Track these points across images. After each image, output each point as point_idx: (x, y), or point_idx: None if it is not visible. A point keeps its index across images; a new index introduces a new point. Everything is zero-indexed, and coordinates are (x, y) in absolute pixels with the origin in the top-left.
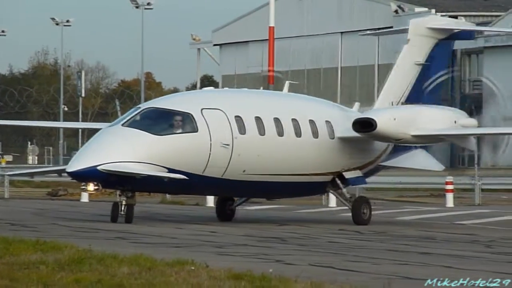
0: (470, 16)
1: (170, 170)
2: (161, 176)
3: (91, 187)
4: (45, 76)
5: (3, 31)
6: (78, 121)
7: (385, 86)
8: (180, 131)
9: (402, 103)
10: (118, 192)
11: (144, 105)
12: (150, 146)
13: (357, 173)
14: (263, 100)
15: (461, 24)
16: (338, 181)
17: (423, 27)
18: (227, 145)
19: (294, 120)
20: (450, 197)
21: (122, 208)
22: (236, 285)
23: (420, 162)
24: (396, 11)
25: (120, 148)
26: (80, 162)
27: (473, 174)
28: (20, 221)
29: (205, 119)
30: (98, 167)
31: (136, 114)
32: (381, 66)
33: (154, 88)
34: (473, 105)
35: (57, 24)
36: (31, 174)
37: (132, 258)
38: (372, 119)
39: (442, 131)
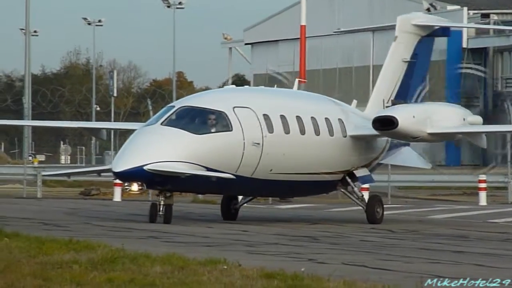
0: (502, 13)
1: (208, 170)
2: (209, 175)
3: (135, 187)
4: (77, 76)
5: (35, 31)
6: (110, 120)
7: (377, 83)
8: (216, 129)
9: (392, 101)
10: (156, 192)
11: (177, 104)
12: (190, 145)
13: (366, 171)
14: (284, 98)
15: (442, 21)
16: (349, 180)
17: (409, 24)
18: (258, 144)
19: (312, 118)
20: (483, 195)
21: (161, 208)
22: (268, 284)
23: (411, 160)
24: (428, 9)
25: (163, 147)
26: (126, 162)
27: (506, 172)
28: (52, 220)
29: (237, 117)
30: (145, 167)
31: (172, 113)
32: None
33: (186, 88)
34: (506, 103)
35: (89, 24)
36: (68, 175)
37: (165, 257)
38: (394, 117)
39: (458, 128)
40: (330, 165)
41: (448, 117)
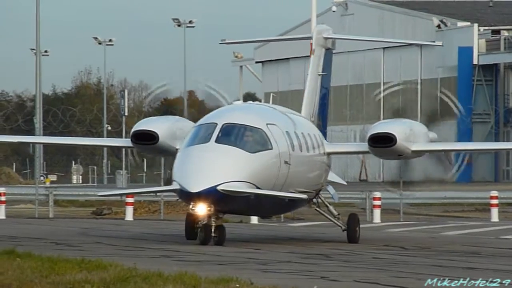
0: None
1: (258, 189)
2: (283, 196)
3: (203, 208)
4: (88, 95)
5: (46, 51)
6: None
7: (304, 97)
8: (262, 147)
9: (315, 115)
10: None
11: (215, 120)
12: (248, 163)
13: (333, 189)
14: (287, 114)
15: (338, 34)
16: (322, 197)
17: (321, 37)
18: (287, 162)
19: (308, 135)
20: (495, 211)
21: (213, 230)
22: None
23: (331, 175)
24: (438, 26)
25: (228, 166)
26: (200, 182)
27: None
28: (64, 240)
29: (272, 135)
30: (218, 187)
31: (219, 130)
32: (424, 81)
33: (197, 106)
34: None
35: (99, 43)
36: (122, 195)
37: (177, 276)
38: (393, 134)
39: (442, 146)
40: (316, 182)
41: (420, 134)
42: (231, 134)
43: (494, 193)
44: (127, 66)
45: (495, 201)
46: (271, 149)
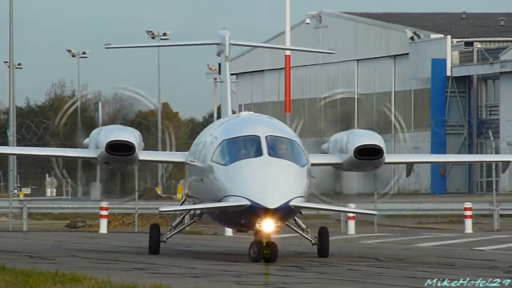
0: (486, 41)
1: None
2: (350, 212)
3: (271, 224)
4: (62, 108)
5: (19, 64)
6: None
7: (228, 104)
8: (304, 161)
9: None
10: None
11: (251, 132)
12: (301, 177)
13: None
14: (281, 124)
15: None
16: None
17: (229, 43)
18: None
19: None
20: (468, 223)
21: (265, 246)
22: None
23: None
24: (412, 38)
25: (291, 181)
26: (276, 198)
27: (491, 199)
28: (39, 253)
29: (302, 147)
30: (290, 203)
31: (265, 143)
32: (398, 92)
33: (171, 119)
34: (490, 130)
35: (73, 56)
36: (182, 211)
37: None
38: (380, 146)
39: (414, 158)
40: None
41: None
42: (277, 147)
43: (468, 204)
44: (101, 78)
45: (469, 213)
46: (307, 163)
